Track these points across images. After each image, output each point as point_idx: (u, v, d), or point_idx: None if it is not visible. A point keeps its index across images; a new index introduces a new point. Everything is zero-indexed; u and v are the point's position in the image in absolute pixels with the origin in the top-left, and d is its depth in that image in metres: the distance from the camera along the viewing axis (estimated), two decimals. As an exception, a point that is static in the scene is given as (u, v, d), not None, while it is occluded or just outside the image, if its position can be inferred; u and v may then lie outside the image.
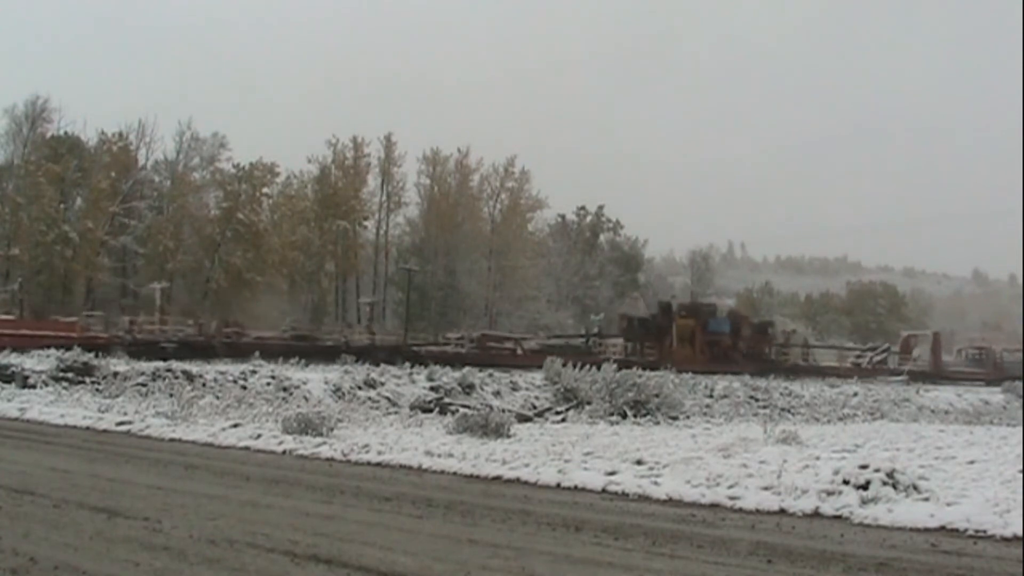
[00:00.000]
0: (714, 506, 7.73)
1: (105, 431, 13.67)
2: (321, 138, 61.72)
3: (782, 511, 7.47)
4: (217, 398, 18.10)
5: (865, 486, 7.59)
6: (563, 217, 68.19)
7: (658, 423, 17.37)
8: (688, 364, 35.36)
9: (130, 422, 14.29)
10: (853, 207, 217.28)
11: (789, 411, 22.64)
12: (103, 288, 47.24)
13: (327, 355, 35.74)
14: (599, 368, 19.49)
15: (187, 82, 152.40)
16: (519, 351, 42.35)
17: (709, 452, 11.07)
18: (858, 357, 53.53)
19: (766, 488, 8.09)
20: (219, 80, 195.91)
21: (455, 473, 9.66)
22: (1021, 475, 8.58)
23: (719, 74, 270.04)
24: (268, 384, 20.60)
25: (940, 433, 16.72)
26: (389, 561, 5.37)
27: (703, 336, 45.75)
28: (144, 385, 19.83)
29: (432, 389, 21.10)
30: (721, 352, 45.28)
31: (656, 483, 8.58)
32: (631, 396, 18.20)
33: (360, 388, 21.25)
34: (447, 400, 19.56)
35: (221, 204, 50.96)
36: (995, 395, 30.87)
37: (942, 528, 6.67)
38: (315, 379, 21.78)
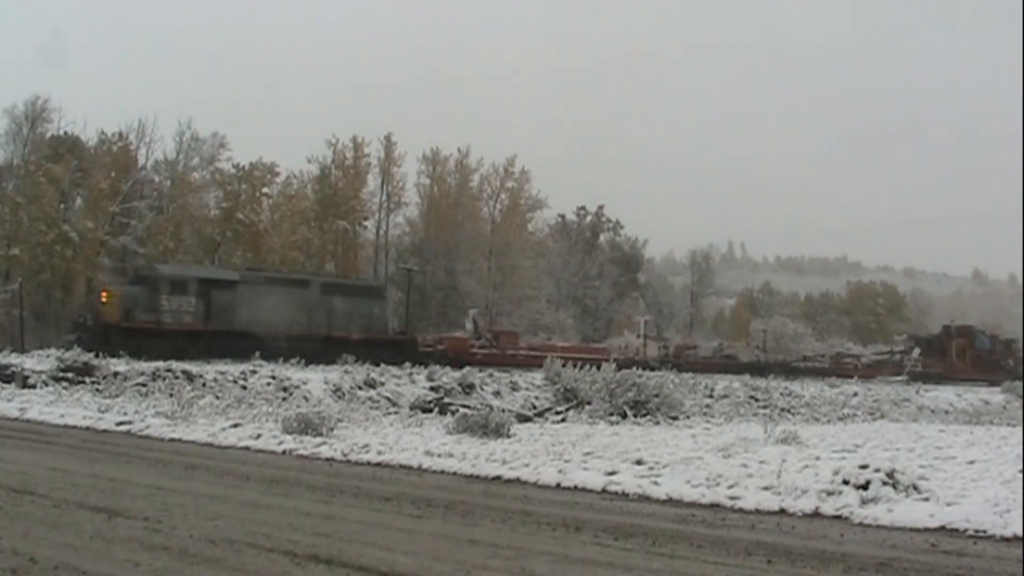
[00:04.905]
0: (714, 506, 7.73)
1: (105, 431, 13.67)
2: (321, 138, 61.61)
3: (782, 511, 7.47)
4: (217, 398, 18.09)
5: (865, 486, 7.59)
6: (563, 217, 68.14)
7: (658, 423, 17.35)
8: (962, 374, 49.22)
9: (130, 422, 14.29)
10: (853, 207, 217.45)
11: (789, 411, 22.60)
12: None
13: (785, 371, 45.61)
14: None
15: (187, 82, 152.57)
16: (857, 365, 53.75)
17: (709, 452, 11.06)
18: None
19: (766, 488, 8.09)
20: (219, 80, 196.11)
21: (455, 473, 9.66)
22: (1021, 475, 8.57)
23: (720, 75, 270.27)
24: (268, 384, 20.59)
25: (940, 433, 16.69)
26: (389, 561, 5.37)
27: (971, 352, 56.81)
28: (144, 385, 19.81)
29: (432, 389, 21.09)
30: (983, 364, 55.47)
31: (656, 483, 8.57)
32: (631, 396, 18.18)
33: (360, 388, 21.23)
34: (447, 400, 19.55)
35: (221, 204, 50.83)
36: (995, 395, 30.87)
37: (942, 528, 6.66)
38: (315, 379, 21.77)
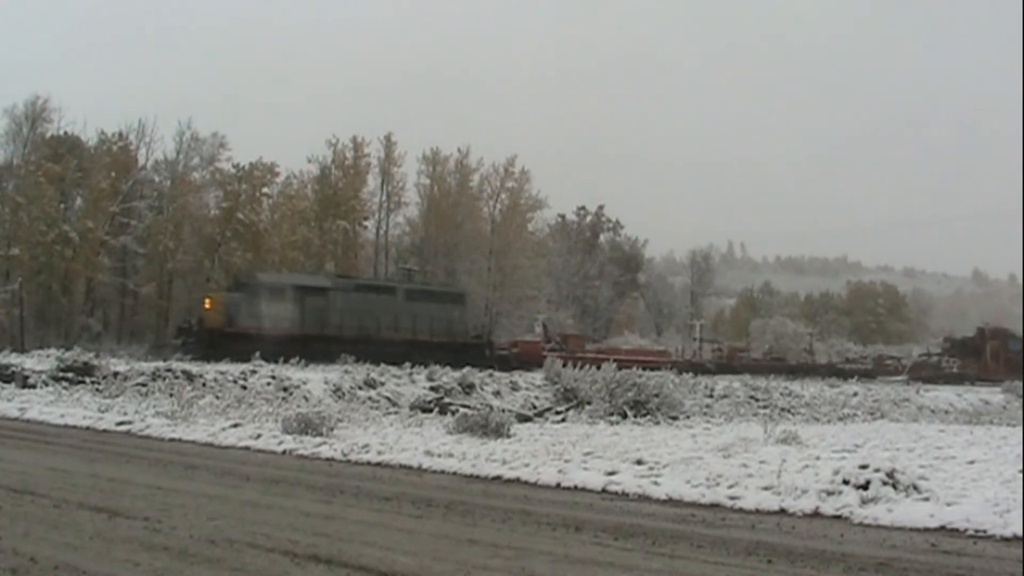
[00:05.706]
0: (714, 506, 7.73)
1: (105, 431, 13.67)
2: (321, 138, 61.65)
3: (782, 511, 7.46)
4: (217, 398, 18.08)
5: (865, 486, 7.59)
6: (563, 217, 68.17)
7: (658, 423, 17.35)
8: (996, 375, 50.25)
9: (130, 422, 14.29)
10: (853, 207, 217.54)
11: (789, 411, 22.58)
12: (103, 288, 47.20)
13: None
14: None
15: (187, 82, 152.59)
16: (898, 367, 57.25)
17: (709, 452, 11.06)
18: None
19: (766, 488, 8.08)
20: (219, 80, 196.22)
21: (455, 473, 9.66)
22: (1021, 475, 8.57)
23: (720, 75, 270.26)
24: (268, 384, 20.58)
25: (940, 433, 16.69)
26: (389, 561, 5.37)
27: (1005, 354, 58.65)
28: (144, 385, 19.82)
29: (432, 389, 21.08)
30: (1014, 366, 56.51)
31: (656, 483, 8.57)
32: (631, 396, 18.18)
33: (360, 388, 21.22)
34: (447, 400, 19.55)
35: (221, 204, 50.79)
36: (995, 395, 30.84)
37: (942, 528, 6.66)
38: (315, 379, 21.77)
